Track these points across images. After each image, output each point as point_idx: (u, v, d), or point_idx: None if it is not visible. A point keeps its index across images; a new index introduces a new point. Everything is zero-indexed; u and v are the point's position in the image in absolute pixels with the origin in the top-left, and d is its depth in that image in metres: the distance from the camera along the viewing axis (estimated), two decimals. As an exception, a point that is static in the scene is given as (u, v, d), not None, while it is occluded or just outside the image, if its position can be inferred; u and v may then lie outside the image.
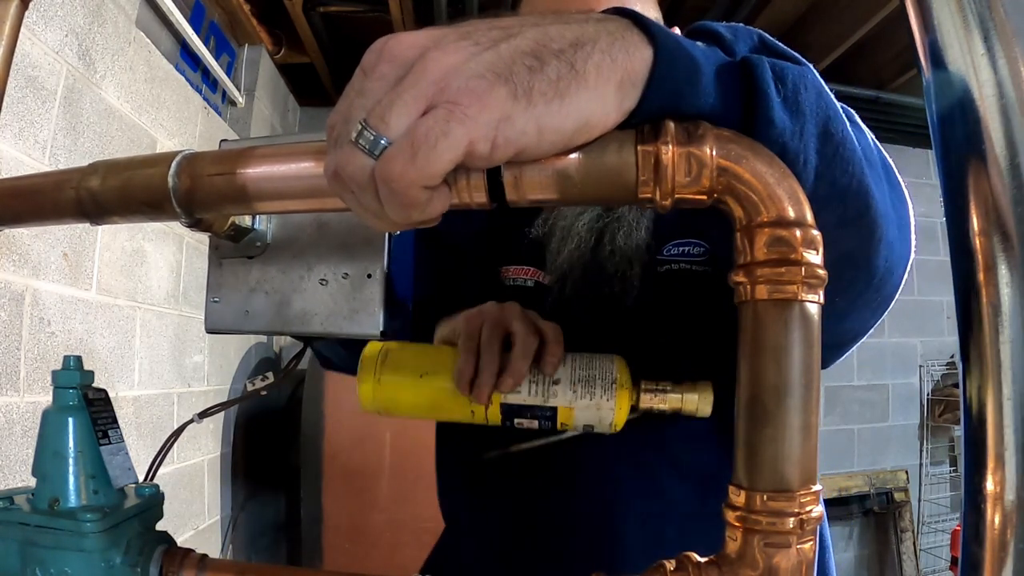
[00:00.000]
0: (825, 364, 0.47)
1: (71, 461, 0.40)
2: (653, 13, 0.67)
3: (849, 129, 0.37)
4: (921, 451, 3.03)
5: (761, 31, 0.43)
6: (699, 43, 0.33)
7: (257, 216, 0.45)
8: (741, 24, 0.43)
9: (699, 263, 0.60)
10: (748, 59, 0.34)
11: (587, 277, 0.61)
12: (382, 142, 0.25)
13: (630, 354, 0.59)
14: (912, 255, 0.46)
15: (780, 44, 0.42)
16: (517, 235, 0.68)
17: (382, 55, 0.27)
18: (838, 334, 0.50)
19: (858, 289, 0.43)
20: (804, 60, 0.39)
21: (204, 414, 0.53)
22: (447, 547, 0.72)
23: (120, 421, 0.44)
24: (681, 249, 0.60)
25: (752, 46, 0.40)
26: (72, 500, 0.40)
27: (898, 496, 2.95)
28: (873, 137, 0.43)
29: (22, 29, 0.51)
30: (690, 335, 0.58)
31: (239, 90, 2.22)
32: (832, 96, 0.37)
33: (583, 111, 0.27)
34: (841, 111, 0.38)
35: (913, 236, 0.45)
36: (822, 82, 0.37)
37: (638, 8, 0.62)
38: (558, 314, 0.61)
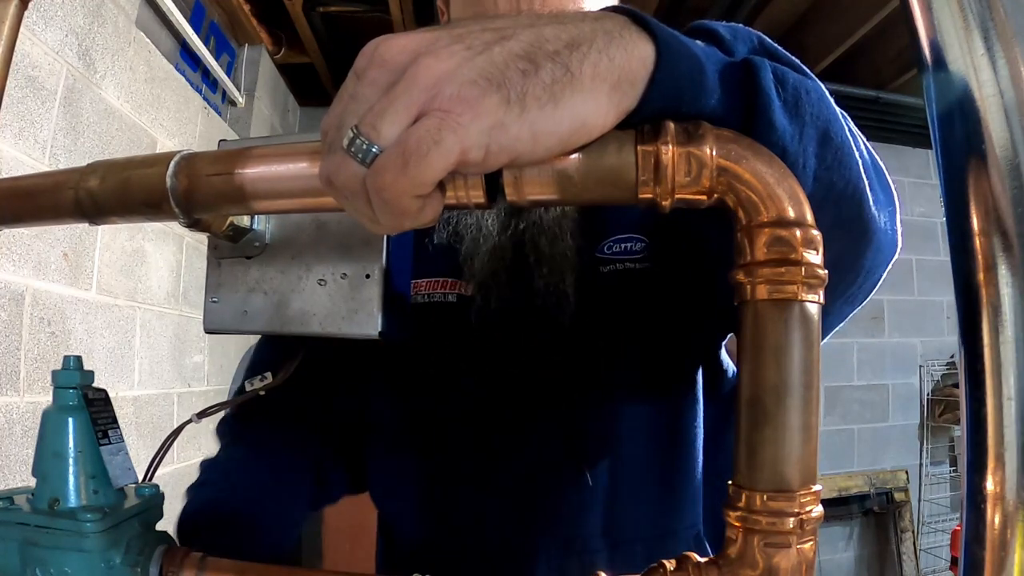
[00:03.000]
0: None
1: (71, 461, 0.40)
2: None
3: (848, 134, 0.37)
4: (921, 451, 3.03)
5: (761, 33, 0.43)
6: (698, 42, 0.33)
7: (256, 216, 0.45)
8: (741, 25, 0.43)
9: (640, 260, 0.58)
10: (750, 60, 0.33)
11: (514, 288, 0.57)
12: (373, 150, 0.25)
13: (570, 373, 0.57)
14: (896, 255, 0.46)
15: (780, 48, 0.42)
16: (418, 244, 0.63)
17: (373, 59, 0.27)
18: None
19: (841, 289, 0.44)
20: (803, 65, 0.39)
21: (203, 414, 0.53)
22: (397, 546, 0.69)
23: (120, 421, 0.44)
24: (623, 246, 0.59)
25: (751, 48, 0.40)
26: (72, 500, 0.40)
27: (898, 496, 2.95)
28: (865, 140, 0.43)
29: (22, 29, 0.51)
30: (636, 339, 0.58)
31: (239, 90, 2.22)
32: (832, 101, 0.37)
33: (578, 113, 0.26)
34: (841, 116, 0.37)
35: (900, 238, 0.45)
36: (823, 87, 0.37)
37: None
38: (487, 331, 0.58)
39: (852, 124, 0.42)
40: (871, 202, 0.39)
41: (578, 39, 0.27)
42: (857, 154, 0.38)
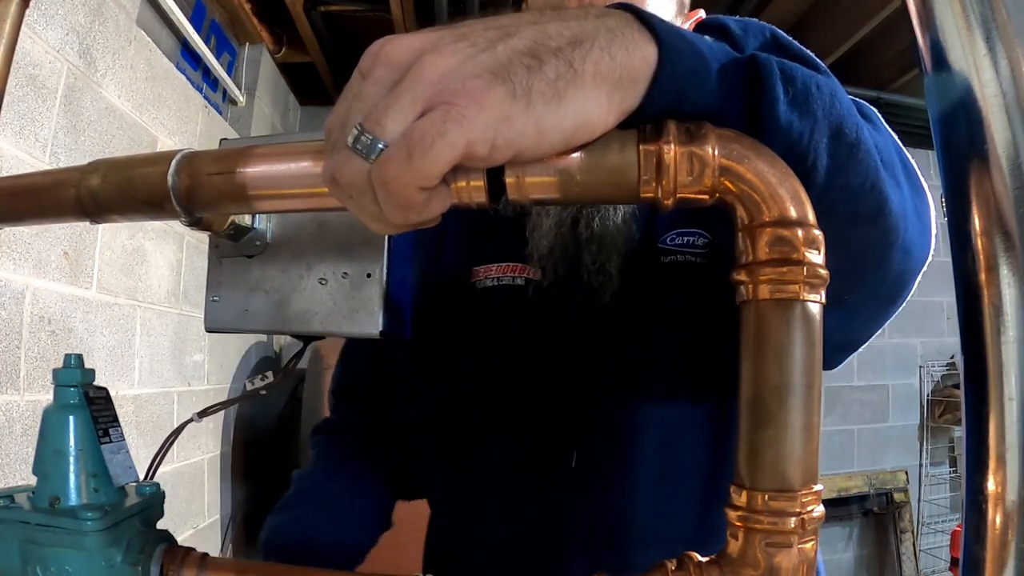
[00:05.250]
0: (829, 366, 0.45)
1: (72, 459, 0.40)
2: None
3: (865, 131, 0.36)
4: (921, 452, 3.03)
5: (775, 28, 0.42)
6: (707, 37, 0.32)
7: (257, 215, 0.45)
8: (754, 20, 0.42)
9: (702, 255, 0.58)
10: (756, 57, 0.33)
11: (567, 263, 0.59)
12: (379, 145, 0.25)
13: (623, 365, 0.58)
14: (931, 256, 0.45)
15: (795, 42, 0.41)
16: (475, 229, 0.66)
17: (378, 59, 0.27)
18: (844, 332, 0.50)
19: (869, 288, 0.43)
20: (817, 59, 0.39)
21: (203, 413, 0.53)
22: (441, 543, 0.71)
23: (120, 420, 0.44)
24: (685, 239, 0.59)
25: (763, 42, 0.39)
26: (73, 498, 0.40)
27: (898, 497, 2.95)
28: (896, 137, 0.42)
29: (23, 28, 0.51)
30: (690, 332, 0.58)
31: (240, 89, 2.22)
32: (848, 97, 0.36)
33: (581, 111, 0.26)
34: (857, 113, 0.37)
35: (933, 238, 0.45)
36: (836, 82, 0.36)
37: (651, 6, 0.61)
38: (540, 307, 0.60)
39: (880, 118, 0.41)
40: (893, 199, 0.38)
41: (581, 36, 0.27)
42: (878, 151, 0.37)
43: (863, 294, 0.43)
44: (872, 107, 0.41)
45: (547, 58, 0.26)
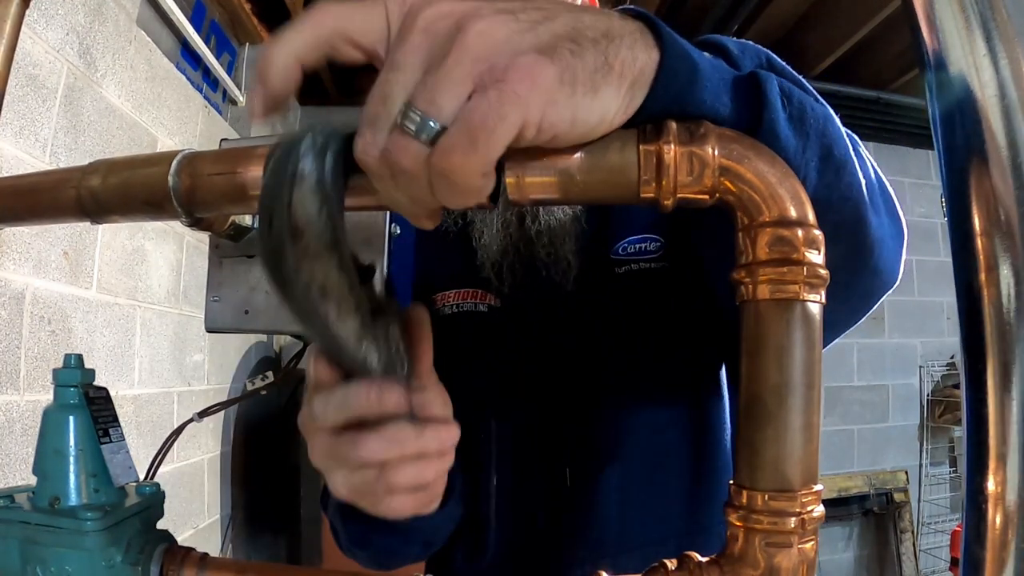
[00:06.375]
0: None
1: (72, 459, 0.40)
2: None
3: (852, 154, 0.37)
4: (921, 452, 3.04)
5: (770, 52, 0.43)
6: (706, 54, 0.33)
7: (257, 215, 0.45)
8: (750, 42, 0.43)
9: (656, 259, 0.59)
10: (757, 73, 0.34)
11: (523, 264, 0.59)
12: (432, 125, 0.24)
13: (594, 371, 0.58)
14: (895, 284, 0.47)
15: (788, 67, 0.42)
16: (436, 256, 0.65)
17: (415, 24, 0.25)
18: None
19: (834, 305, 0.44)
20: (808, 85, 0.40)
21: (204, 413, 0.53)
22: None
23: (120, 420, 0.44)
24: (637, 246, 0.59)
25: (759, 64, 0.40)
26: (73, 498, 0.40)
27: (898, 497, 2.95)
28: (875, 167, 0.43)
29: (23, 28, 0.51)
30: (657, 336, 0.59)
31: (240, 89, 2.22)
32: (838, 122, 0.37)
33: (606, 107, 0.26)
34: (847, 137, 0.38)
35: (902, 268, 0.46)
36: (829, 108, 0.37)
37: None
38: (508, 329, 0.60)
39: (862, 147, 0.42)
40: (872, 226, 0.39)
41: (612, 32, 0.27)
42: (862, 176, 0.38)
43: (830, 308, 0.45)
44: (855, 136, 0.42)
45: (587, 46, 0.25)
